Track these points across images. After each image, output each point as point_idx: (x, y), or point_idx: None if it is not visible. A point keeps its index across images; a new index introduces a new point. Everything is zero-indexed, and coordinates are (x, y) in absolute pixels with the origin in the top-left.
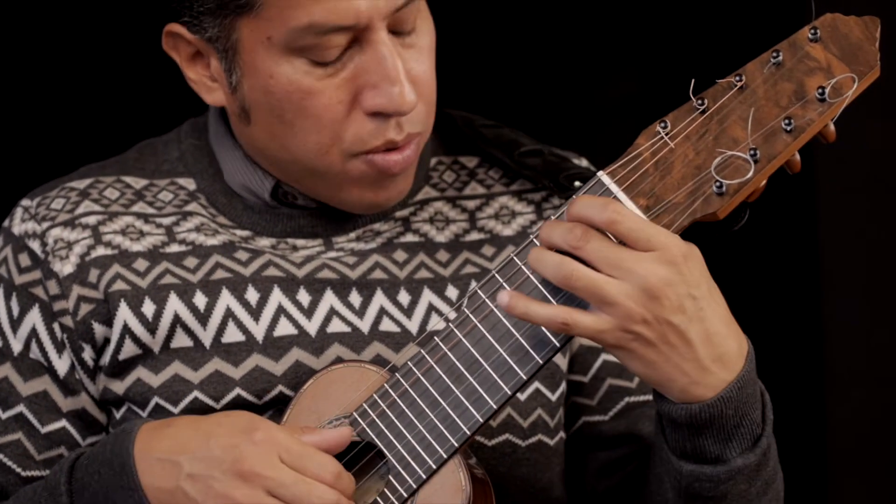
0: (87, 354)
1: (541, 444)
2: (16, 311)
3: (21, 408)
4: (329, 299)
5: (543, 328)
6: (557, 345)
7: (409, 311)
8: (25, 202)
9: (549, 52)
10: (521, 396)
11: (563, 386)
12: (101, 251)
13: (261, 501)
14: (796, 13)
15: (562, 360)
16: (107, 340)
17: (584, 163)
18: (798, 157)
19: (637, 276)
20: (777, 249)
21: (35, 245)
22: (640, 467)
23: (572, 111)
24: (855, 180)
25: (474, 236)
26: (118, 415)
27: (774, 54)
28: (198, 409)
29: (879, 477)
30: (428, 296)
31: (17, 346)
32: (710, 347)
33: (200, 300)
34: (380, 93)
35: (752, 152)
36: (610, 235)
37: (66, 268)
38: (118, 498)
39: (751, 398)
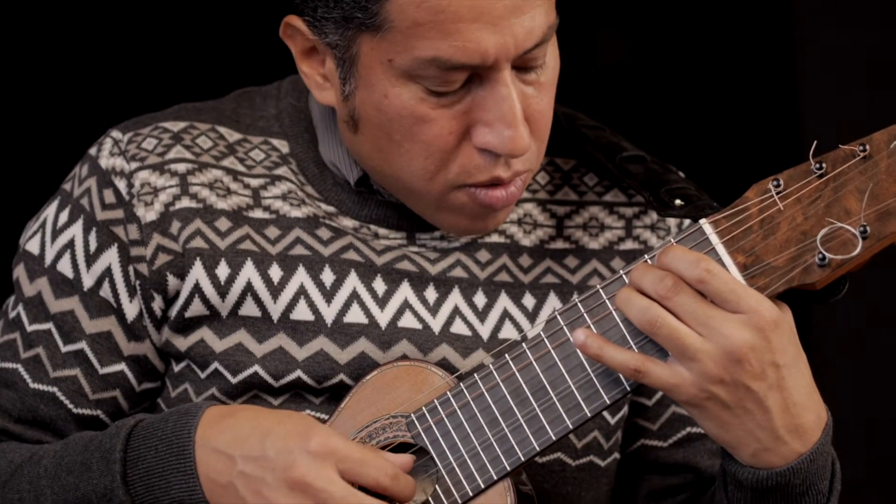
0: (157, 304)
1: (591, 465)
2: (93, 245)
3: (83, 345)
4: (404, 291)
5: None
6: (628, 388)
7: (482, 315)
8: (116, 134)
9: None
10: None
11: (624, 410)
12: (185, 203)
13: None
14: None
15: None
16: (177, 294)
17: (681, 175)
18: None
19: (722, 336)
20: None
21: (121, 184)
22: (693, 499)
23: (560, 80)
24: None
25: (559, 245)
26: (176, 368)
27: None
28: (256, 384)
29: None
30: (504, 301)
31: (88, 282)
32: (788, 417)
33: (276, 273)
34: (493, 132)
35: (862, 229)
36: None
37: (149, 214)
38: (173, 479)
39: (821, 470)
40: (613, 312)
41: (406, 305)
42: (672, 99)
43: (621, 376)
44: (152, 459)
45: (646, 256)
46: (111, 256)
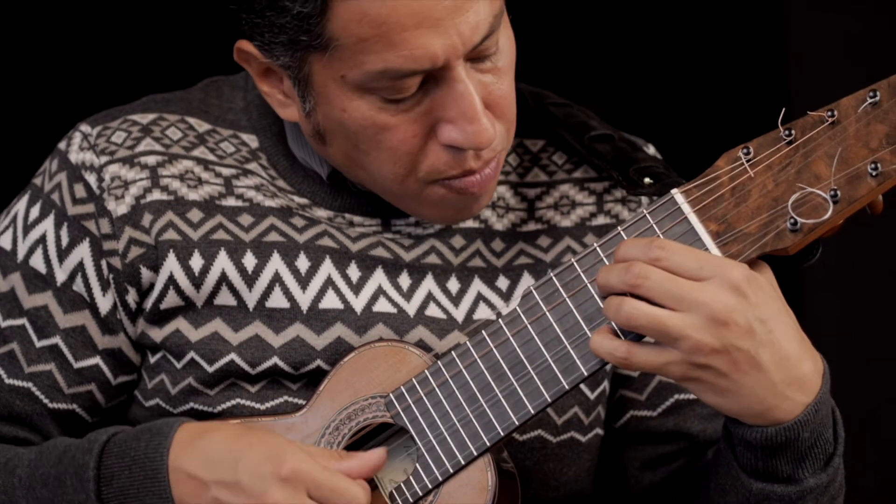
0: (131, 297)
1: (572, 441)
2: (65, 240)
3: (57, 339)
4: (378, 278)
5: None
6: (605, 359)
7: (456, 299)
8: (85, 128)
9: (524, 8)
10: None
11: (604, 384)
12: (157, 195)
13: None
14: None
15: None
16: (151, 286)
17: (651, 150)
18: (881, 198)
19: (701, 304)
20: None
21: (91, 178)
22: (688, 465)
23: (547, 68)
24: None
25: (531, 227)
26: (152, 360)
27: (871, 94)
28: (233, 372)
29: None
30: (477, 285)
31: (60, 277)
32: (784, 371)
33: (250, 261)
34: (457, 129)
35: (832, 193)
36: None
37: (120, 208)
38: (149, 501)
39: (825, 419)
40: (588, 285)
41: (380, 291)
42: (662, 85)
43: None
44: (126, 479)
45: (619, 229)
46: (83, 251)
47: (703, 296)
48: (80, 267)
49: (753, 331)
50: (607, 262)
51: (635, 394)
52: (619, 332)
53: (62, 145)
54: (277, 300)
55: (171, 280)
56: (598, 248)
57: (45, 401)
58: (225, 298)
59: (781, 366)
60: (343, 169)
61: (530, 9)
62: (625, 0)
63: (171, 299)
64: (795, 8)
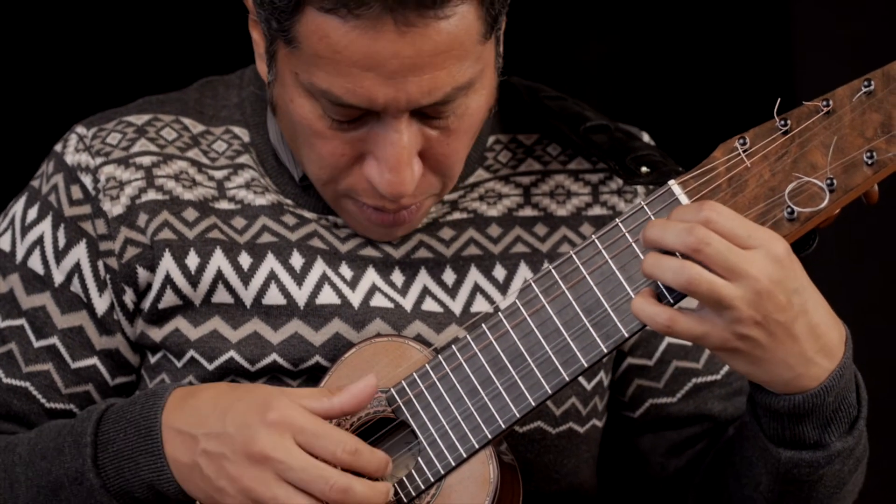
0: (128, 297)
1: (571, 432)
2: (62, 242)
3: (55, 339)
4: (371, 276)
5: (594, 333)
6: (605, 350)
7: (453, 291)
8: (80, 130)
9: (526, 11)
10: None
11: (600, 375)
12: (152, 195)
13: (268, 486)
14: None
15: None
16: (149, 286)
17: (645, 137)
18: (876, 188)
19: (751, 277)
20: None
21: (87, 180)
22: (711, 445)
23: (550, 71)
24: None
25: (528, 212)
26: (153, 360)
27: (866, 83)
28: (233, 369)
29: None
30: (474, 275)
31: (58, 277)
32: (814, 340)
33: (245, 260)
34: (378, 171)
35: (829, 182)
36: None
37: (115, 208)
38: (143, 461)
39: (849, 383)
40: (587, 277)
41: (375, 288)
42: (668, 83)
43: (598, 339)
44: (121, 442)
45: (617, 221)
46: (80, 252)
47: (752, 268)
48: (77, 268)
49: (791, 303)
50: (606, 255)
51: (653, 382)
52: (602, 300)
53: (58, 147)
54: (274, 297)
55: (168, 279)
56: (596, 240)
57: (43, 400)
58: (222, 296)
59: (812, 335)
60: (289, 145)
61: (535, 7)
62: (623, 8)
63: (169, 298)
64: (802, 8)
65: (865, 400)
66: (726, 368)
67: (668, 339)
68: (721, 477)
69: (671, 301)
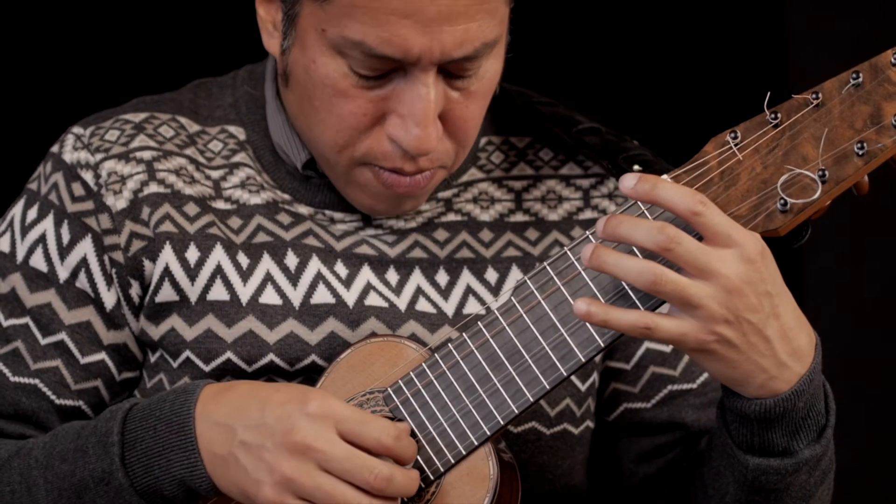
0: (135, 291)
1: (565, 433)
2: (66, 238)
3: (63, 335)
4: (366, 275)
5: (590, 326)
6: (602, 344)
7: (446, 293)
8: (77, 129)
9: (526, 11)
10: None
11: (593, 376)
12: (154, 188)
13: (311, 476)
14: None
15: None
16: (152, 279)
17: (636, 143)
18: (867, 179)
19: (721, 276)
20: None
21: (88, 176)
22: (683, 455)
23: (548, 72)
24: None
25: (519, 217)
26: (152, 359)
27: (854, 75)
28: (230, 370)
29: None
30: (467, 277)
31: (63, 274)
32: (786, 342)
33: (243, 259)
34: (403, 126)
35: (820, 173)
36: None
37: (119, 202)
38: (174, 457)
39: (817, 390)
40: (582, 273)
41: (370, 287)
42: (663, 86)
43: (595, 333)
44: (150, 440)
45: (587, 233)
46: (86, 247)
47: (724, 267)
48: (84, 263)
49: (762, 305)
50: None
51: (629, 386)
52: (598, 295)
53: (55, 148)
54: (270, 296)
55: (167, 272)
56: (590, 236)
57: (53, 397)
58: (218, 293)
59: (784, 338)
60: (296, 123)
61: (531, 9)
62: (628, 2)
63: (166, 292)
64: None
65: (833, 410)
66: (703, 378)
67: (646, 344)
68: (689, 489)
69: (636, 301)
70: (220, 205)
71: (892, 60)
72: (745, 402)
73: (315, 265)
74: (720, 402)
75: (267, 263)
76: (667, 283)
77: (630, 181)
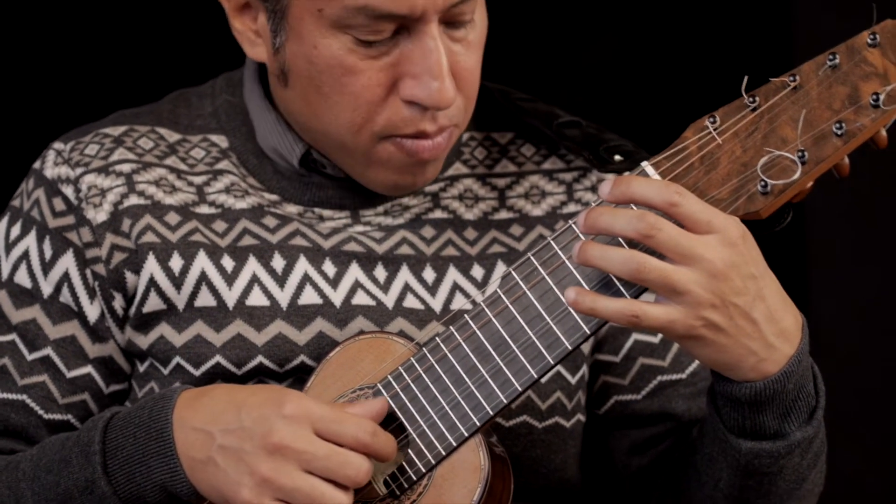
0: (118, 303)
1: (557, 427)
2: (48, 253)
3: (48, 350)
4: (354, 272)
5: (575, 314)
6: (588, 332)
7: (433, 289)
8: (58, 145)
9: (527, 14)
10: (543, 379)
11: (583, 369)
12: (134, 200)
13: (290, 476)
14: None
15: (584, 344)
16: (136, 290)
17: (616, 136)
18: (847, 160)
19: (705, 261)
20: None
21: (69, 190)
22: (675, 446)
23: (550, 74)
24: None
25: (503, 215)
26: (141, 368)
27: (831, 57)
28: (219, 374)
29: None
30: (453, 274)
31: (47, 289)
32: (773, 324)
33: (228, 263)
34: (420, 84)
35: (800, 154)
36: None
37: (99, 215)
38: (154, 463)
39: (806, 371)
40: (566, 262)
41: (358, 285)
42: (666, 88)
43: (581, 321)
44: (131, 447)
45: (594, 204)
46: (67, 261)
47: (707, 252)
48: (66, 277)
49: (747, 287)
50: (584, 238)
51: (618, 379)
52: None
53: (37, 165)
54: (257, 298)
55: (152, 282)
56: (572, 225)
57: (41, 412)
58: (205, 299)
59: (770, 319)
60: (301, 119)
61: (530, 16)
62: (632, 4)
63: (153, 302)
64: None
65: (823, 391)
66: (692, 368)
67: (634, 336)
68: (682, 478)
69: (620, 288)
70: (205, 209)
71: (869, 41)
72: (736, 386)
73: (302, 266)
74: (710, 388)
75: (253, 265)
76: (650, 270)
77: (606, 187)
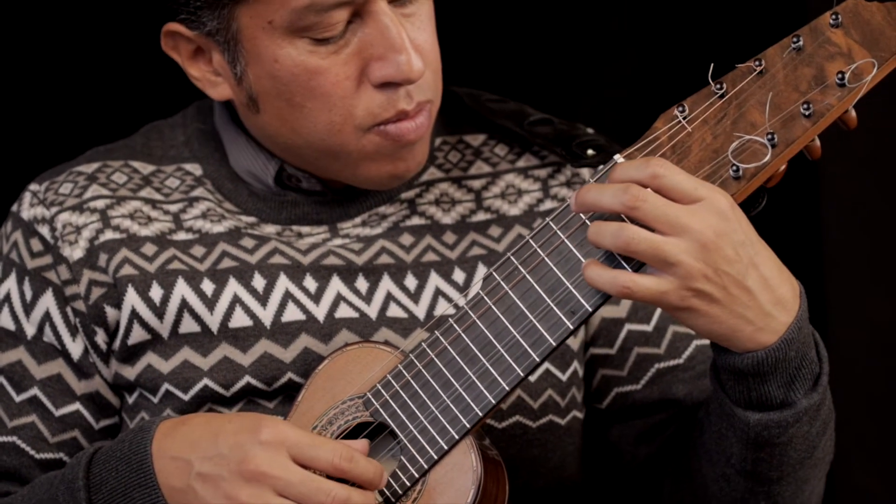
0: (100, 338)
1: (551, 425)
2: (29, 294)
3: (35, 391)
4: (336, 285)
5: (558, 311)
6: (571, 327)
7: (415, 297)
8: (34, 187)
9: (546, 31)
10: (532, 378)
11: (574, 365)
12: (109, 235)
13: (268, 502)
14: None
15: (572, 340)
16: (118, 324)
17: (590, 130)
18: (818, 142)
19: (694, 231)
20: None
21: (44, 230)
22: (681, 430)
23: (570, 90)
24: (855, 160)
25: (481, 217)
26: (130, 400)
27: (795, 39)
28: (208, 396)
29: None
30: (435, 280)
31: (30, 330)
32: (769, 292)
33: (208, 287)
34: (387, 63)
35: (769, 137)
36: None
37: (75, 252)
38: (136, 495)
39: (807, 338)
40: (546, 259)
41: (340, 298)
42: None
43: (563, 318)
44: (114, 481)
45: (568, 200)
46: (48, 301)
47: (694, 221)
48: (47, 316)
49: (739, 255)
50: (561, 235)
51: (616, 371)
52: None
53: (14, 207)
54: (240, 320)
55: (134, 314)
56: (550, 223)
57: (32, 452)
58: (189, 326)
59: (766, 287)
60: (280, 140)
61: (549, 33)
62: (644, 27)
63: (138, 334)
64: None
65: (826, 357)
66: (688, 352)
67: (628, 326)
68: (693, 460)
69: (629, 269)
70: (182, 236)
71: (832, 21)
72: (737, 358)
73: (283, 283)
74: (712, 364)
75: (234, 287)
76: (640, 241)
77: (588, 174)
